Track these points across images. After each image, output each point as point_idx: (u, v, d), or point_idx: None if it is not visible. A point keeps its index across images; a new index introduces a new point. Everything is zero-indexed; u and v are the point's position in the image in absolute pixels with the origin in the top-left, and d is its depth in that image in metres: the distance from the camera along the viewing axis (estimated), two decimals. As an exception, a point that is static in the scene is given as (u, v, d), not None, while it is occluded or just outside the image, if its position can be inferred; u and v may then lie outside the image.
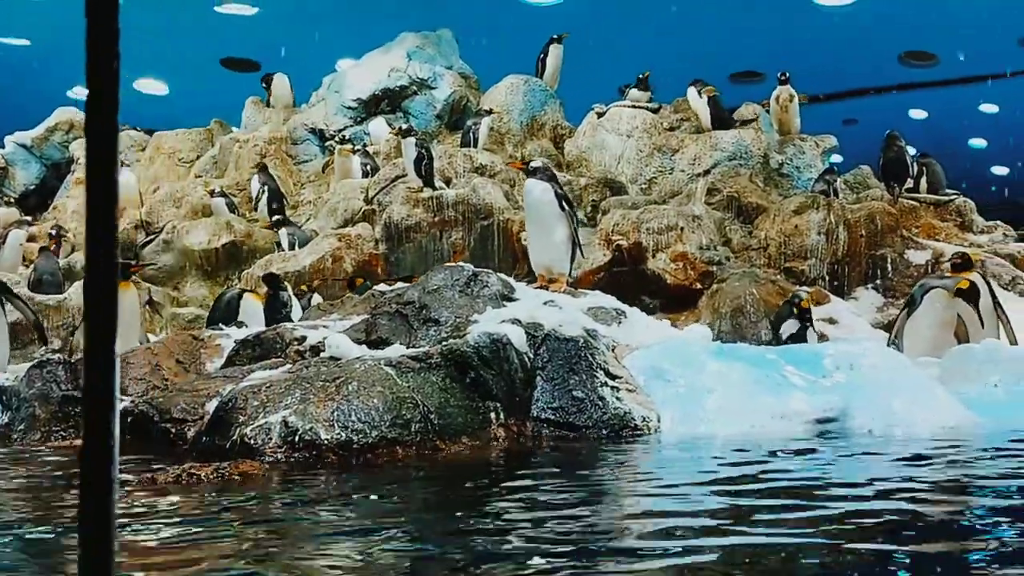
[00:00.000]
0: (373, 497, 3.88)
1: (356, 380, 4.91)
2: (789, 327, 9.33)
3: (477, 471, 4.61)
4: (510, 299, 6.36)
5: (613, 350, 6.07)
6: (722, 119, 13.56)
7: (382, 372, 5.02)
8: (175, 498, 3.75)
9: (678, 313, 11.88)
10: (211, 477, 4.12)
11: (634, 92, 14.48)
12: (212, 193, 14.69)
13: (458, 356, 5.33)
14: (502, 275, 6.60)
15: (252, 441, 4.65)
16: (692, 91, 13.90)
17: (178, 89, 25.50)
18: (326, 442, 4.63)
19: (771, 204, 12.69)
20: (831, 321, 11.05)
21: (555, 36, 16.16)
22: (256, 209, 14.62)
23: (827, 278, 12.06)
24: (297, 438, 4.63)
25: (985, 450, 4.92)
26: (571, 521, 3.13)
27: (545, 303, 6.28)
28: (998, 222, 13.64)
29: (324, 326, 6.03)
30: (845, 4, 21.43)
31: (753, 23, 21.43)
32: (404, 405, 4.90)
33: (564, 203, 7.43)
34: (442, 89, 16.02)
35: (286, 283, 10.22)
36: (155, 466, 4.39)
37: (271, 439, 4.63)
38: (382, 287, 6.73)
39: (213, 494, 3.83)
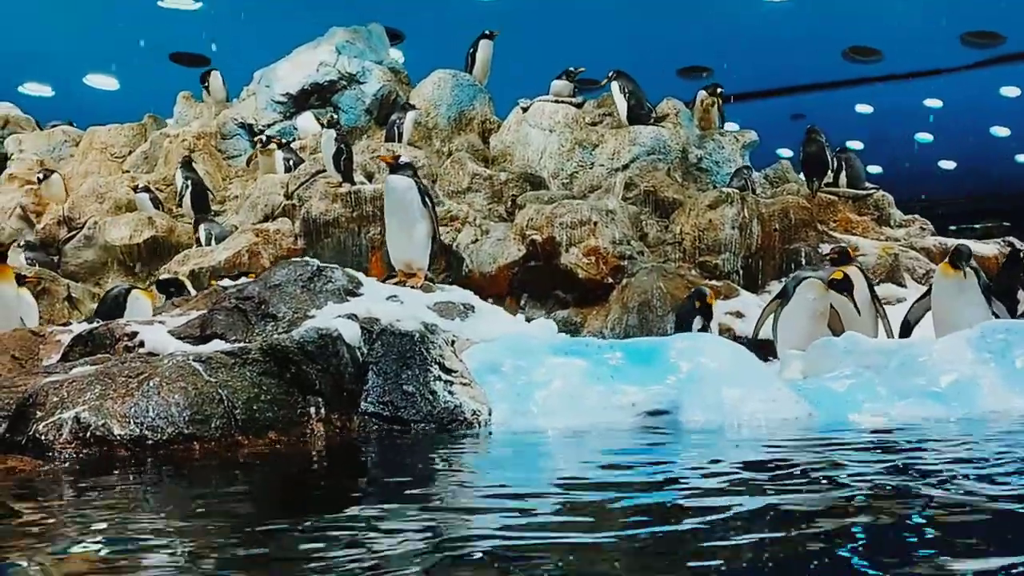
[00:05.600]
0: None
1: (159, 376, 4.88)
2: (696, 325, 9.30)
3: (254, 469, 4.61)
4: (355, 294, 6.34)
5: (453, 344, 6.05)
6: (638, 116, 13.49)
7: (189, 367, 4.99)
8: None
9: (591, 307, 11.89)
10: (-25, 473, 4.10)
11: (556, 84, 14.38)
12: (136, 188, 14.61)
13: (278, 351, 5.30)
14: (350, 270, 6.58)
15: (44, 437, 4.62)
16: (615, 85, 13.80)
17: (128, 84, 25.41)
18: (119, 438, 4.61)
19: (688, 199, 12.68)
20: (738, 315, 11.05)
21: (486, 31, 16.08)
22: (181, 204, 14.54)
23: (741, 272, 12.07)
24: (89, 434, 4.60)
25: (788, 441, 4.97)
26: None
27: (388, 298, 6.27)
28: (916, 216, 13.66)
29: (160, 322, 6.00)
30: (788, 0, 21.46)
31: (698, 18, 21.44)
32: (208, 401, 4.87)
33: (426, 198, 7.41)
34: (371, 84, 15.92)
35: (186, 282, 10.13)
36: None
37: (62, 435, 4.60)
38: (225, 282, 6.70)
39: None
